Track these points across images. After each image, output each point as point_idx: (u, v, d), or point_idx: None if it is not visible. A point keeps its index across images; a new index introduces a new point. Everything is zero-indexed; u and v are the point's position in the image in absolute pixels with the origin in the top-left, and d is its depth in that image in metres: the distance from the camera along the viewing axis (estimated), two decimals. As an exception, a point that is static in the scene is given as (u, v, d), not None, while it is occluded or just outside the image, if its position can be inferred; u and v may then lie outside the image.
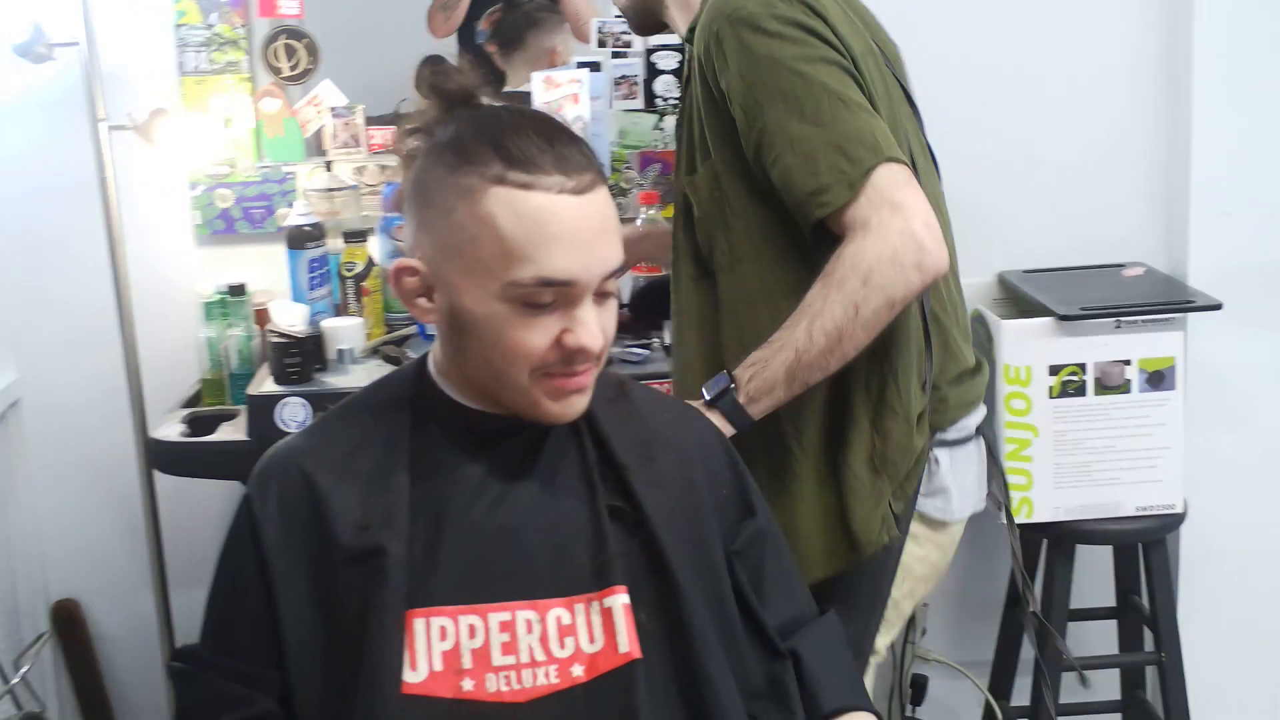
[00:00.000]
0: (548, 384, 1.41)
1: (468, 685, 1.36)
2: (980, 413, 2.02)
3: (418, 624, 1.37)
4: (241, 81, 2.84)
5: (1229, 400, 2.91)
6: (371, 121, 2.85)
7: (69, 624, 2.99)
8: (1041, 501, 2.61)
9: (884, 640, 1.98)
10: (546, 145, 1.35)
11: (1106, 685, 2.91)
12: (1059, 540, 2.64)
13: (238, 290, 2.71)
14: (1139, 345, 2.56)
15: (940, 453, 1.91)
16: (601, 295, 1.40)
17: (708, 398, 1.77)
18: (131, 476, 2.83)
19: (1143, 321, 2.56)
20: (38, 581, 2.95)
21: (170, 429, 2.57)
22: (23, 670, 2.51)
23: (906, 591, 1.96)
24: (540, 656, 1.39)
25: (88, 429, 2.94)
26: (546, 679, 1.38)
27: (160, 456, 2.57)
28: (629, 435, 1.52)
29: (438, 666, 1.36)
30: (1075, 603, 2.88)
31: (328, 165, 2.80)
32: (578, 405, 1.44)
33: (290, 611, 1.40)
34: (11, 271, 2.86)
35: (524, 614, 1.40)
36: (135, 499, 2.84)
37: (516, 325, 1.37)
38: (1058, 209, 2.92)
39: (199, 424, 2.57)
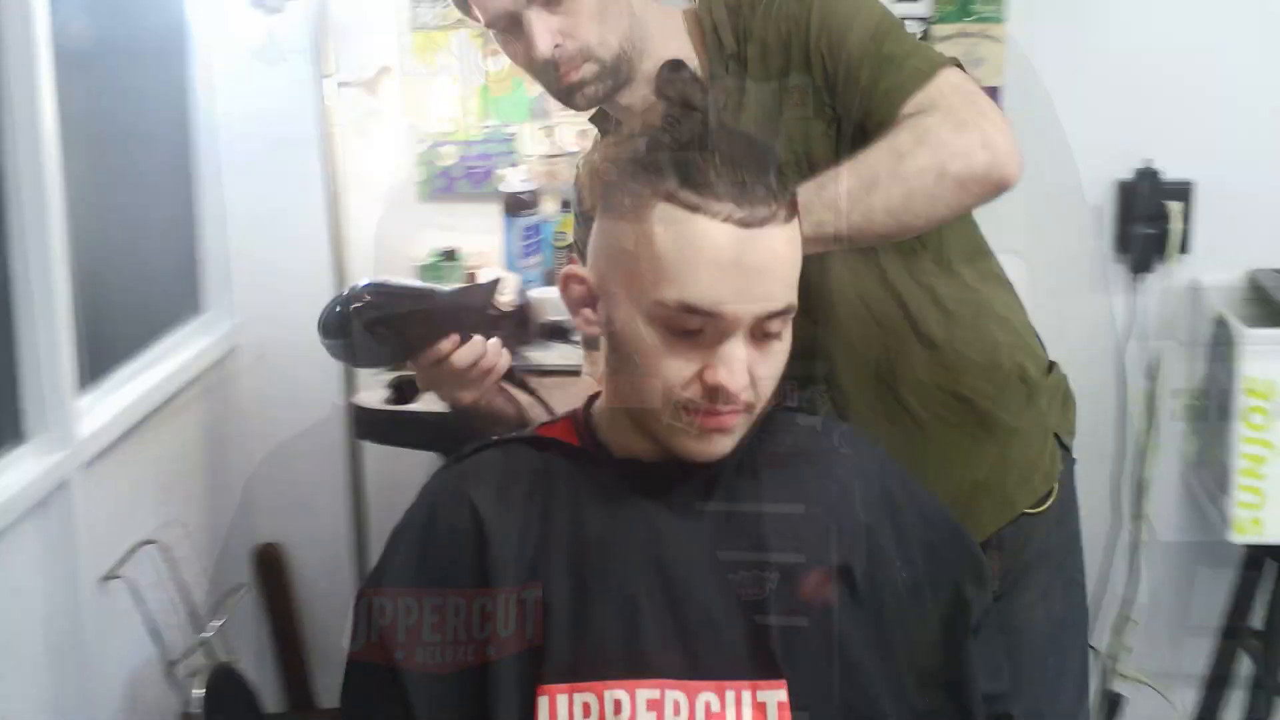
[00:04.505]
0: (688, 419, 1.30)
1: None
2: None
3: (560, 700, 1.28)
4: (474, 37, 2.80)
5: None
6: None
7: (271, 567, 3.05)
8: (1273, 521, 2.49)
9: None
10: (729, 170, 1.25)
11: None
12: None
13: (450, 255, 2.69)
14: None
15: None
16: (762, 336, 1.29)
17: None
18: (337, 432, 2.86)
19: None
20: (244, 527, 3.01)
21: (373, 394, 2.57)
22: (216, 623, 2.54)
23: None
24: None
25: (299, 383, 2.93)
26: None
27: (360, 421, 2.58)
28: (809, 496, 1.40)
29: None
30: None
31: (549, 130, 2.75)
32: (719, 446, 1.32)
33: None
34: (237, 221, 2.89)
35: (672, 694, 1.29)
36: (338, 451, 2.88)
37: (661, 350, 1.28)
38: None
39: (404, 389, 2.54)
